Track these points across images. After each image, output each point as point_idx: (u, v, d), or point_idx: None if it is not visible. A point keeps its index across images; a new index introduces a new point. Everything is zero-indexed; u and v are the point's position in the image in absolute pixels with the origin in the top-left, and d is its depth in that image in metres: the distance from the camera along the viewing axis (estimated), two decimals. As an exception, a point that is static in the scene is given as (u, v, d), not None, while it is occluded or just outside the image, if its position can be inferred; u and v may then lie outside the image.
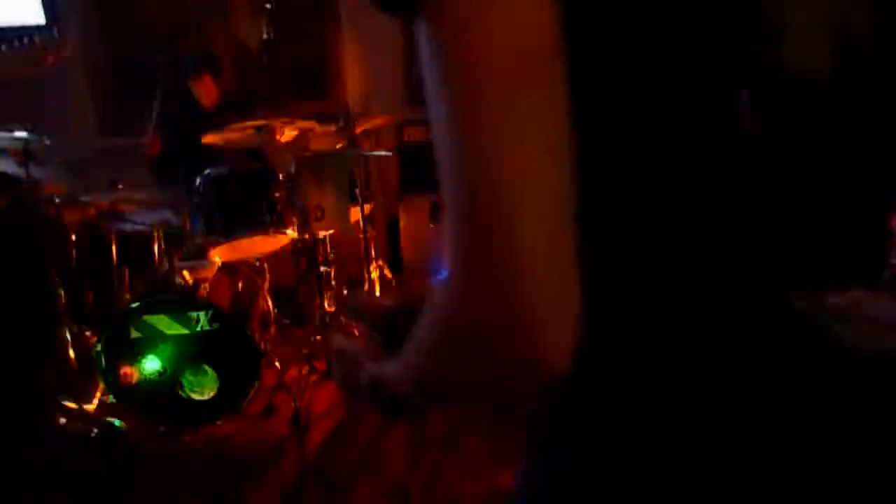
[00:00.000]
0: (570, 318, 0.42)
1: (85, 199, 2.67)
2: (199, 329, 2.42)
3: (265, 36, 4.33)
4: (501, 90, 0.41)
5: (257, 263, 2.95)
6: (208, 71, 3.49)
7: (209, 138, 2.65)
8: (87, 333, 2.84)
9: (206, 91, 3.49)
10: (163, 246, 2.71)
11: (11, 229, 3.09)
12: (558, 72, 0.43)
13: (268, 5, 4.19)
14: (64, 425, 2.52)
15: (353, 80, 4.33)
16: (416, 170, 3.94)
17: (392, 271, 3.45)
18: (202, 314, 2.43)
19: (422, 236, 3.95)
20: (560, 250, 0.42)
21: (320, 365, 2.76)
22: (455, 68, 0.42)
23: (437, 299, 0.46)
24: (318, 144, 2.94)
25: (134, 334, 2.42)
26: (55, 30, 3.41)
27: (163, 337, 2.42)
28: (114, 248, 2.78)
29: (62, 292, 2.69)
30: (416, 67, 0.66)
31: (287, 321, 3.16)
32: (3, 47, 1.60)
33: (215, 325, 2.44)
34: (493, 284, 0.41)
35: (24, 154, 2.31)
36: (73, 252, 2.79)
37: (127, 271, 2.83)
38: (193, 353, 2.43)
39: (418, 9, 0.43)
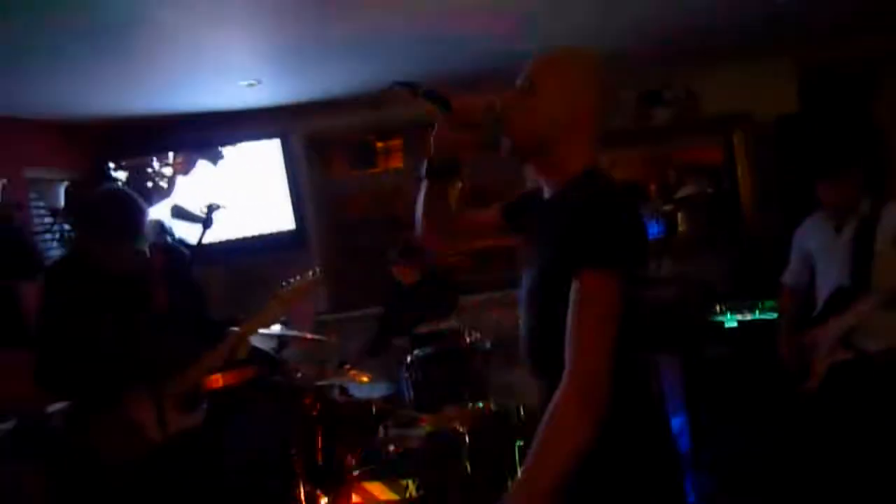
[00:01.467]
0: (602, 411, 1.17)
1: (321, 380, 3.20)
2: (407, 496, 2.71)
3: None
4: (598, 326, 1.19)
5: (460, 429, 3.21)
6: (406, 259, 4.10)
7: (421, 329, 3.07)
8: (318, 493, 3.25)
9: (405, 274, 4.11)
10: (379, 416, 3.11)
11: (271, 400, 3.74)
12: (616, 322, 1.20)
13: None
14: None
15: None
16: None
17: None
18: (410, 482, 2.73)
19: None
20: (605, 382, 1.18)
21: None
22: (585, 313, 1.20)
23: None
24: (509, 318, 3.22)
25: (354, 499, 2.77)
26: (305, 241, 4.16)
27: (377, 502, 2.74)
28: (340, 416, 3.24)
29: (300, 455, 3.17)
30: None
31: (487, 484, 3.33)
32: (284, 284, 2.13)
33: (421, 493, 2.71)
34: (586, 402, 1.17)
35: (279, 343, 2.89)
36: (309, 420, 3.28)
37: (349, 437, 3.25)
38: (403, 518, 2.71)
39: (575, 278, 1.20)
